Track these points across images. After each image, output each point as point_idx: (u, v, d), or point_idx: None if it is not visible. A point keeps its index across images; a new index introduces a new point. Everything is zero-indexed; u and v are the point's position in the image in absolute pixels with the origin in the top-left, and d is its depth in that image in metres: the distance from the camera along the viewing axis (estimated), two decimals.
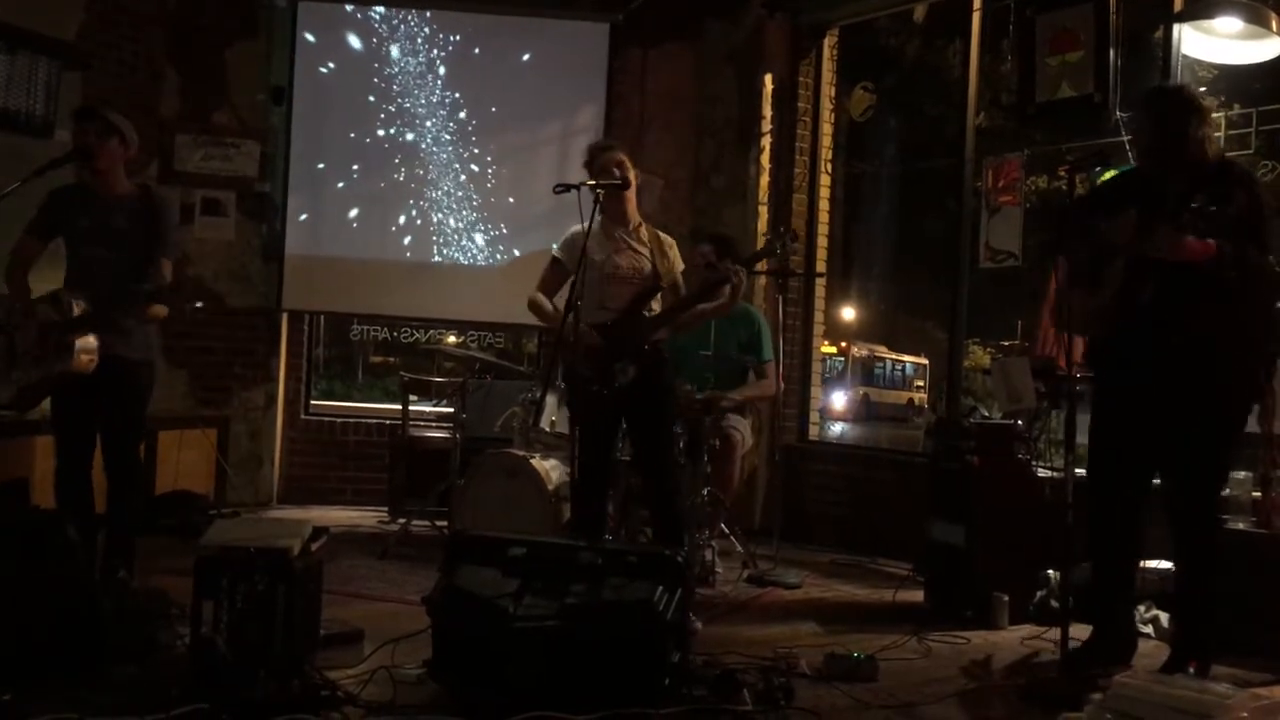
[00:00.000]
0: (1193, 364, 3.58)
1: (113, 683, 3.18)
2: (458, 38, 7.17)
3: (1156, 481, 3.88)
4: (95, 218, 4.32)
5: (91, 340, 4.14)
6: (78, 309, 4.13)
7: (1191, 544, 3.72)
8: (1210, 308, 3.55)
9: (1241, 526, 4.30)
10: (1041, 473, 4.96)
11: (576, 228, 4.49)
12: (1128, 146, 3.88)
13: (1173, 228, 3.38)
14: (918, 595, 4.93)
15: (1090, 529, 3.87)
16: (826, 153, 7.20)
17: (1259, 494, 4.34)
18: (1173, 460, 3.74)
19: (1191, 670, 3.58)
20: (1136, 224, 3.57)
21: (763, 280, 6.82)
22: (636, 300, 4.35)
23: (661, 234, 4.54)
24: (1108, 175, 4.49)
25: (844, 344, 24.58)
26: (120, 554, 4.27)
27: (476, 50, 7.18)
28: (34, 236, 4.38)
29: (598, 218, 4.39)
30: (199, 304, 4.35)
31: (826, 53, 7.18)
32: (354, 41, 7.11)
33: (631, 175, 4.43)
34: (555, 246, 4.59)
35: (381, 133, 7.11)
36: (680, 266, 4.51)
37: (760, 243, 6.65)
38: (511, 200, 7.16)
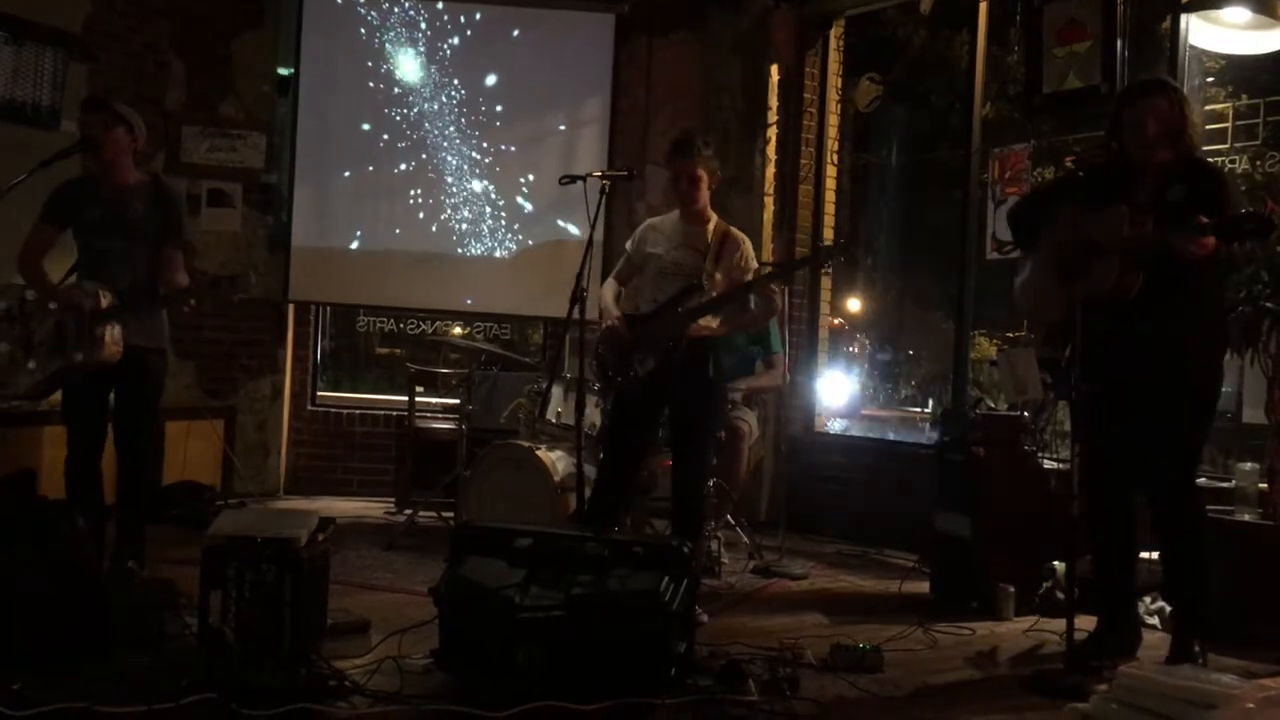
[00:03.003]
0: (1178, 352, 3.63)
1: (121, 672, 3.19)
2: (464, 28, 7.16)
3: None
4: (106, 209, 4.32)
5: (119, 331, 4.15)
6: (105, 300, 4.14)
7: (1177, 529, 3.74)
8: (1193, 298, 3.62)
9: (1247, 518, 4.30)
10: (1047, 464, 4.96)
11: (650, 220, 4.63)
12: (1119, 135, 3.86)
13: (1191, 227, 3.38)
14: (923, 586, 4.94)
15: (1089, 523, 3.87)
16: (833, 144, 7.18)
17: (1265, 486, 4.34)
18: (1152, 448, 3.74)
19: (1197, 649, 3.59)
20: (1130, 218, 3.59)
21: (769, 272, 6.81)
22: (676, 297, 4.36)
23: (732, 233, 4.48)
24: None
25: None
26: (129, 544, 4.29)
27: (483, 41, 7.17)
28: (48, 225, 4.38)
29: (674, 211, 4.49)
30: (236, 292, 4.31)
31: (833, 43, 7.15)
32: (360, 32, 7.10)
33: (703, 184, 4.40)
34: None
35: (387, 124, 7.10)
36: (750, 266, 4.46)
37: (770, 240, 6.64)
38: (517, 191, 7.16)
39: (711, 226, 4.47)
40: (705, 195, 4.44)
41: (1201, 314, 3.68)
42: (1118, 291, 3.58)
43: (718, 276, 4.38)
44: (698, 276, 4.35)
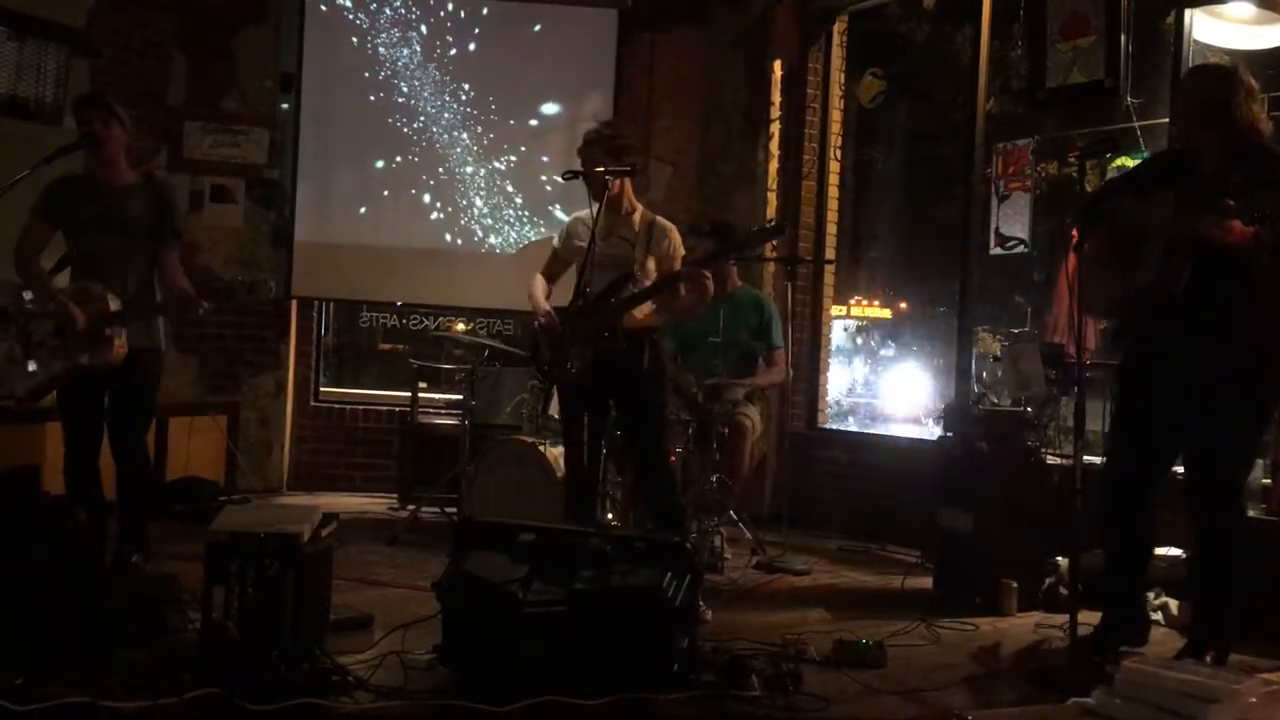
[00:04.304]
0: (1226, 347, 3.53)
1: (124, 667, 3.19)
2: (466, 24, 7.16)
3: (1176, 469, 3.86)
4: (100, 207, 4.31)
5: (125, 334, 4.16)
6: (114, 303, 4.14)
7: (1214, 532, 3.68)
8: (1248, 291, 3.49)
9: (1251, 514, 4.29)
10: (1050, 460, 4.95)
11: (577, 214, 4.62)
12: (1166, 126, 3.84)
13: (1215, 210, 3.34)
14: (926, 582, 4.94)
15: (1105, 514, 3.85)
16: (836, 139, 7.18)
17: (1269, 481, 4.33)
18: (1198, 446, 3.68)
19: (1209, 659, 3.57)
20: (1175, 205, 3.54)
21: (772, 267, 6.82)
22: (609, 288, 4.35)
23: (659, 221, 4.50)
24: (1125, 160, 4.47)
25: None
26: (133, 539, 4.29)
27: (485, 37, 7.16)
28: (43, 223, 4.36)
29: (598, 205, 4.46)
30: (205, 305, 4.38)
31: (836, 39, 7.15)
32: (361, 29, 7.10)
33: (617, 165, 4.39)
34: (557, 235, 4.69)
35: (390, 119, 7.10)
36: (678, 254, 4.47)
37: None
38: (520, 186, 7.16)
39: (638, 216, 4.49)
40: (615, 184, 4.38)
41: (1259, 307, 3.51)
42: (1164, 282, 3.51)
43: (649, 265, 4.39)
44: (629, 266, 4.35)
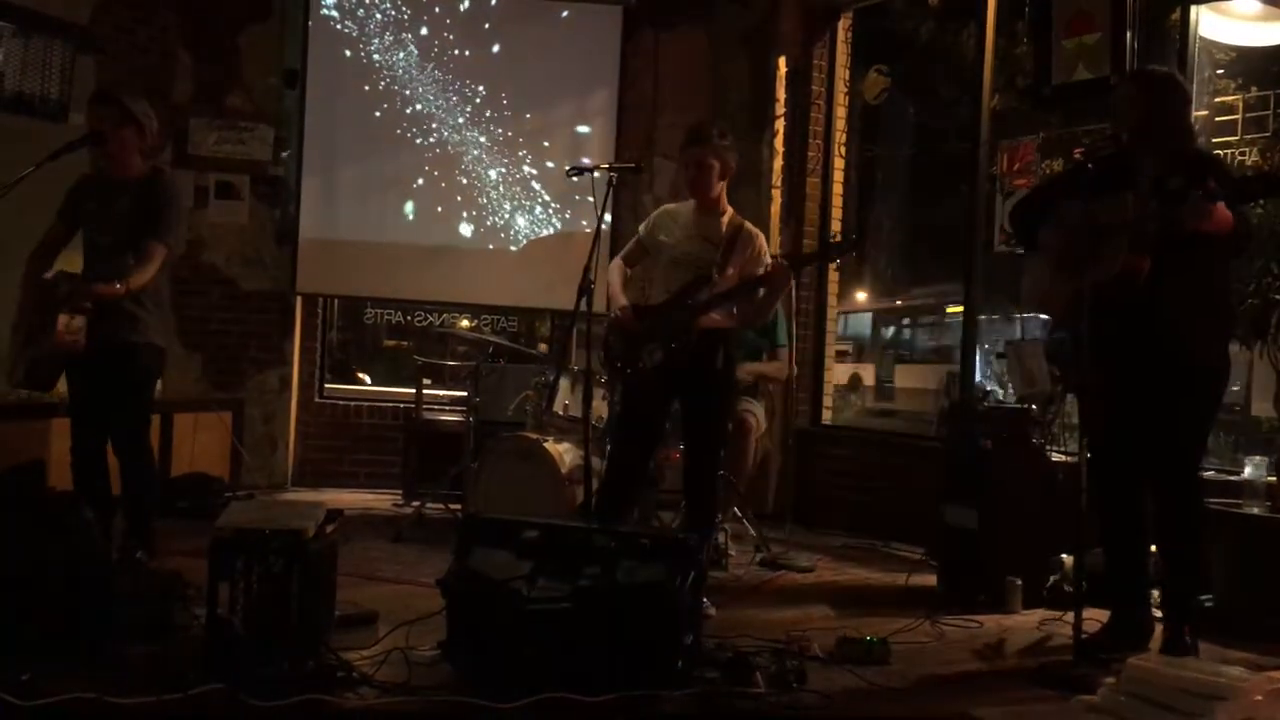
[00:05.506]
0: (1184, 335, 3.62)
1: (129, 663, 3.20)
2: (471, 21, 7.16)
3: None
4: (100, 202, 4.32)
5: (77, 320, 4.10)
6: (62, 289, 4.14)
7: (1170, 515, 3.74)
8: (1202, 281, 3.61)
9: (1256, 511, 4.29)
10: (1055, 457, 4.95)
11: (665, 206, 4.60)
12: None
13: (1201, 197, 3.38)
14: (930, 579, 4.94)
15: (1098, 515, 3.87)
16: (840, 136, 7.17)
17: (1274, 479, 4.32)
18: (1152, 431, 3.73)
19: (1186, 637, 3.61)
20: (1134, 204, 3.59)
21: None
22: (684, 289, 4.33)
23: (746, 227, 4.44)
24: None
25: None
26: (138, 535, 4.29)
27: (490, 34, 7.16)
28: (59, 221, 4.39)
29: (690, 201, 4.44)
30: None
31: (840, 35, 7.15)
32: (367, 25, 7.09)
33: (713, 173, 4.36)
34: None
35: (394, 116, 7.10)
36: (763, 261, 4.40)
37: (778, 233, 6.67)
38: (524, 183, 7.16)
39: (726, 219, 4.42)
40: (717, 185, 4.38)
41: (1210, 297, 3.67)
42: (1126, 275, 3.57)
43: (730, 271, 4.33)
44: (708, 268, 4.32)
